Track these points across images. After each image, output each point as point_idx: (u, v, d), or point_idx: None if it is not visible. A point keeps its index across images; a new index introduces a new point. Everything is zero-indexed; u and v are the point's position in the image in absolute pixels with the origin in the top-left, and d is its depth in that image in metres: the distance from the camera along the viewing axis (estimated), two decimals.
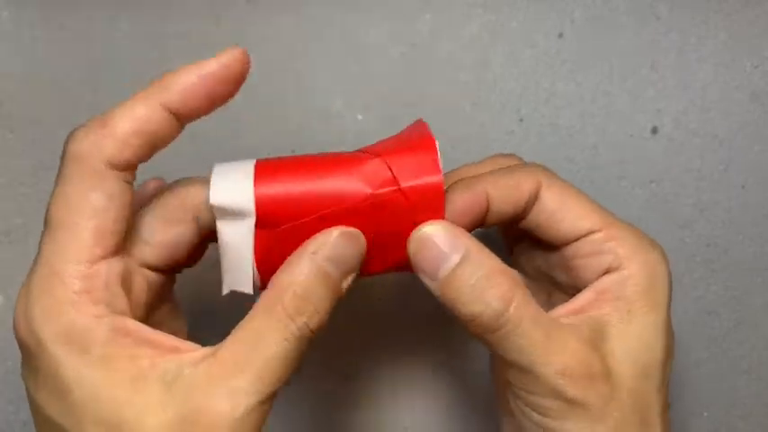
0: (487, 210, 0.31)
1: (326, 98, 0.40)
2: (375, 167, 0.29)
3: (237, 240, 0.29)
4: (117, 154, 0.27)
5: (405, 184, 0.29)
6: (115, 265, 0.27)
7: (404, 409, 0.41)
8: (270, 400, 0.27)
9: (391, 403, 0.41)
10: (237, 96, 0.41)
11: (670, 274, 0.31)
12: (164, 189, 0.31)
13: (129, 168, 0.28)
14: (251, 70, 0.41)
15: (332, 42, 0.40)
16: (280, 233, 0.29)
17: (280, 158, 0.30)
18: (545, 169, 0.32)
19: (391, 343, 0.41)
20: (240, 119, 0.40)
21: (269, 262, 0.29)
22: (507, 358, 0.29)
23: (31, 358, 0.27)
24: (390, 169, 0.29)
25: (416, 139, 0.30)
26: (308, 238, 0.28)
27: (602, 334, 0.30)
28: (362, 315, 0.41)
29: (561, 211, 0.31)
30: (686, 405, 0.41)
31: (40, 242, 0.27)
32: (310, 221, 0.28)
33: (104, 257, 0.27)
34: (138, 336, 0.27)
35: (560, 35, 0.40)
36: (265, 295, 0.27)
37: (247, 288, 0.30)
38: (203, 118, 0.40)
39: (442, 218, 0.29)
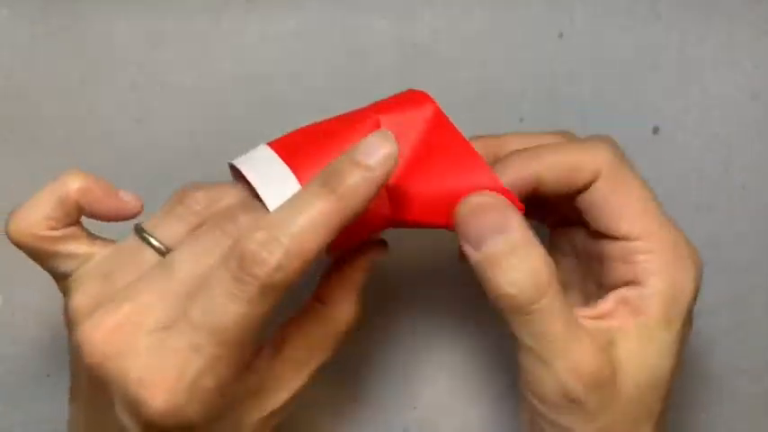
0: (534, 189, 0.31)
1: (326, 98, 0.40)
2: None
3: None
4: (302, 275, 0.27)
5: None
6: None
7: (404, 408, 0.41)
8: None
9: (393, 399, 0.41)
10: (237, 96, 0.41)
11: (696, 288, 0.31)
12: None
13: None
14: (251, 70, 0.41)
15: (332, 42, 0.40)
16: None
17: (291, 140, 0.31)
18: (611, 154, 0.31)
19: (391, 338, 0.41)
20: (239, 118, 0.40)
21: None
22: (525, 342, 0.29)
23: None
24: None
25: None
26: None
27: (616, 343, 0.30)
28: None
29: (606, 206, 0.31)
30: (686, 405, 0.41)
31: (196, 343, 0.27)
32: None
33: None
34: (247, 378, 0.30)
35: (560, 35, 0.40)
36: (329, 314, 0.32)
37: None
38: (202, 116, 0.40)
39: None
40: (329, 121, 0.32)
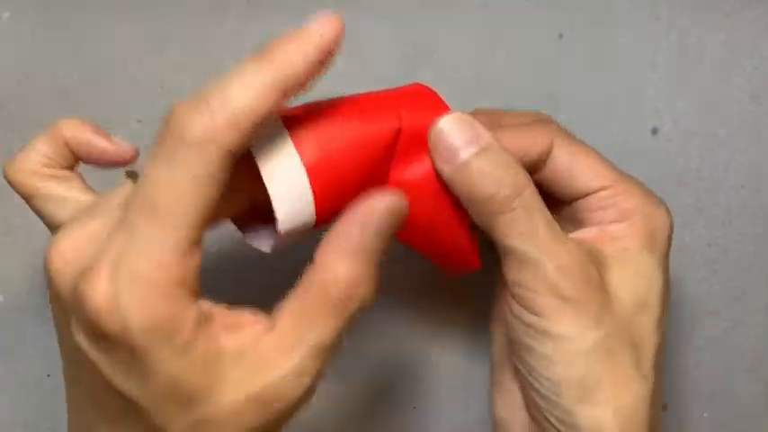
0: None
1: (326, 98, 0.40)
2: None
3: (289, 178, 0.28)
4: (238, 146, 0.26)
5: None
6: (200, 249, 0.26)
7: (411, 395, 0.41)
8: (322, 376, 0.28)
9: (393, 398, 0.41)
10: None
11: (671, 229, 0.33)
12: None
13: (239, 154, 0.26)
14: None
15: None
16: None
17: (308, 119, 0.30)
18: (561, 129, 0.34)
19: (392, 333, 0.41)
20: None
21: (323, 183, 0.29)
22: (510, 245, 0.30)
23: (108, 341, 0.25)
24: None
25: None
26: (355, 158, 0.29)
27: (601, 263, 0.31)
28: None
29: (572, 169, 0.32)
30: (686, 405, 0.41)
31: (131, 220, 0.25)
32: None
33: (199, 244, 0.26)
34: (212, 317, 0.27)
35: (560, 35, 0.40)
36: (318, 276, 0.27)
37: (310, 221, 0.29)
38: None
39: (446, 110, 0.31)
40: (351, 105, 0.31)
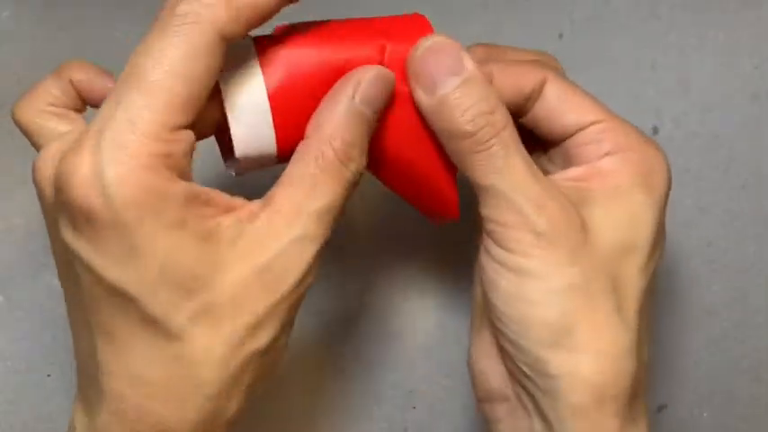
0: None
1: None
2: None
3: (251, 101, 0.28)
4: (232, 30, 0.26)
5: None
6: (191, 134, 0.26)
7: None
8: (324, 246, 0.27)
9: (393, 399, 0.41)
10: None
11: (669, 174, 0.31)
12: None
13: (233, 40, 0.26)
14: None
15: None
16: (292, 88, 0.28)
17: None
18: (557, 68, 0.32)
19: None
20: None
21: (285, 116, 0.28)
22: (486, 183, 0.29)
23: (93, 221, 0.25)
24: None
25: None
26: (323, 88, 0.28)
27: (586, 203, 0.29)
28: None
29: (563, 106, 0.31)
30: (686, 405, 0.41)
31: (118, 93, 0.25)
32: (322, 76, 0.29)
33: (187, 125, 0.26)
34: (204, 197, 0.26)
35: (560, 35, 0.40)
36: (311, 143, 0.28)
37: (271, 149, 0.29)
38: None
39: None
40: (332, 33, 0.30)
